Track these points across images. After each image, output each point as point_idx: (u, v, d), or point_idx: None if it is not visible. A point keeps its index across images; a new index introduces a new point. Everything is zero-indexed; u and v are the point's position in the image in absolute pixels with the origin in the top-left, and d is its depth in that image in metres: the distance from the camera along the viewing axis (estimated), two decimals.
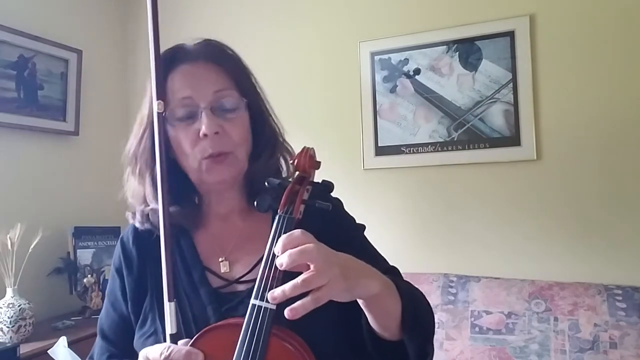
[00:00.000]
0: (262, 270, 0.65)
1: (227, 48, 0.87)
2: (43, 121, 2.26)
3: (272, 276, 0.64)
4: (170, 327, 0.68)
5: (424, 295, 0.83)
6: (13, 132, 2.15)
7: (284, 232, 0.66)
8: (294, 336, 0.68)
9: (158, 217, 0.77)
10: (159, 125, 0.70)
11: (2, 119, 2.09)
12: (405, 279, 0.85)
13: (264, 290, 0.64)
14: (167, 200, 0.74)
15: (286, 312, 0.60)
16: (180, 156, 0.82)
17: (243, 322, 0.65)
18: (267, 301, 0.63)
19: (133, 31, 2.77)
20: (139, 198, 0.85)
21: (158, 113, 0.69)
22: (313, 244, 0.62)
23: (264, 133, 0.87)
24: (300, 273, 0.62)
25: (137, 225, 0.87)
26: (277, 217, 0.69)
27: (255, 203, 0.73)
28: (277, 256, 0.63)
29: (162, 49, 0.80)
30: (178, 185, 0.84)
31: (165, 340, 0.71)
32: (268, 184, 0.73)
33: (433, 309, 0.83)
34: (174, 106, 0.80)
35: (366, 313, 0.72)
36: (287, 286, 0.60)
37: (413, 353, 0.74)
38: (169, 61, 0.82)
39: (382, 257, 0.89)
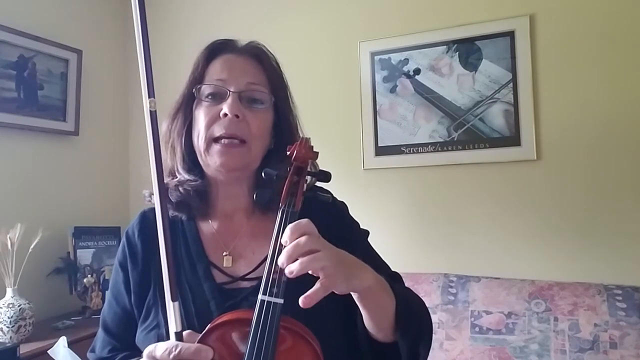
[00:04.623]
0: (269, 266, 0.65)
1: (272, 55, 0.92)
2: (43, 121, 2.26)
3: (280, 271, 0.64)
4: (175, 325, 0.67)
5: (422, 300, 0.84)
6: (13, 132, 2.15)
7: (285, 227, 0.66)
8: (298, 323, 0.68)
9: (179, 191, 0.84)
10: (152, 124, 0.68)
11: (2, 119, 2.09)
12: (405, 279, 0.85)
13: (272, 286, 0.64)
14: (165, 201, 0.74)
15: (301, 300, 0.61)
16: (194, 136, 0.85)
17: (250, 315, 0.65)
18: (275, 296, 0.64)
19: (133, 31, 2.76)
20: (166, 170, 0.89)
21: (150, 111, 0.68)
22: (317, 240, 0.65)
23: (287, 142, 0.88)
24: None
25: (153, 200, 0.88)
26: (280, 212, 0.70)
27: (254, 196, 0.73)
28: (284, 246, 0.64)
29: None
30: (197, 164, 0.88)
31: (168, 335, 0.70)
32: (265, 175, 0.73)
33: (433, 309, 0.84)
34: (206, 84, 0.85)
35: (361, 309, 0.73)
36: (295, 265, 0.62)
37: (405, 352, 0.75)
38: (217, 49, 0.88)
39: (385, 263, 0.91)
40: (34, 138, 2.25)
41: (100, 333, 0.90)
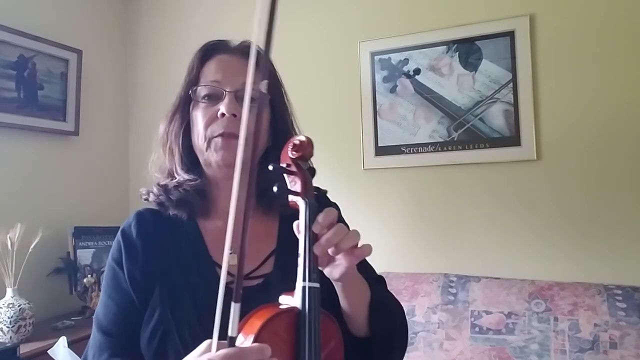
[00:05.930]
0: (307, 255, 0.69)
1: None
2: (43, 121, 2.26)
3: (315, 257, 0.69)
4: (232, 329, 0.62)
5: (398, 302, 0.89)
6: (13, 132, 2.15)
7: (313, 217, 0.71)
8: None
9: (178, 190, 0.86)
10: (264, 106, 0.70)
11: (2, 119, 2.09)
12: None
13: (312, 272, 0.68)
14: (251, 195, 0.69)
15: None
16: (194, 136, 0.87)
17: (288, 307, 0.68)
18: (315, 281, 0.68)
19: (133, 31, 2.77)
20: (165, 172, 0.91)
21: (264, 93, 0.64)
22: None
23: (283, 139, 0.89)
24: None
25: (151, 198, 0.90)
26: (305, 205, 0.72)
27: (275, 188, 0.73)
28: (318, 234, 0.68)
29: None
30: (196, 165, 0.89)
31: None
32: (273, 169, 0.75)
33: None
34: (202, 86, 0.87)
35: (339, 292, 0.77)
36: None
37: (379, 342, 0.79)
38: (210, 50, 0.90)
39: (371, 266, 0.95)
40: (34, 138, 2.25)
41: (96, 337, 0.84)
